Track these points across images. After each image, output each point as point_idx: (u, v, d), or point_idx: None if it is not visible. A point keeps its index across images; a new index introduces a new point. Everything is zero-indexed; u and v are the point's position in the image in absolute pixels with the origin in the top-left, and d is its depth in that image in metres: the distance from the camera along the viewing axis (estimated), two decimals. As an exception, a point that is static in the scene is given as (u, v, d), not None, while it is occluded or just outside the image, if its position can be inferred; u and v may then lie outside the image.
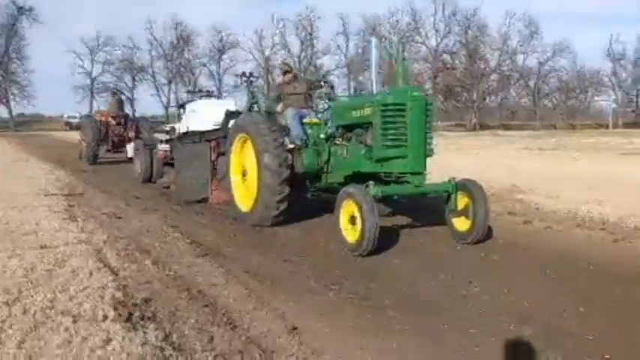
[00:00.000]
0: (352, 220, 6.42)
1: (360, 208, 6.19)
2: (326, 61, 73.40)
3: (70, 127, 60.42)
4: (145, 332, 4.03)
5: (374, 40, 7.49)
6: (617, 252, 6.57)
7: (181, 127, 14.23)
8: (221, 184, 10.13)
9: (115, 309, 4.50)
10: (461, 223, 6.99)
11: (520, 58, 66.05)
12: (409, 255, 6.63)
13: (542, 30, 64.70)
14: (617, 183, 11.24)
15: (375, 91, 7.61)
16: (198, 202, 10.61)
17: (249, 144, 8.64)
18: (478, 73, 62.98)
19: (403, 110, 6.69)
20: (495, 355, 3.89)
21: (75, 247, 6.48)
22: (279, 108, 9.18)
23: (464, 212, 6.91)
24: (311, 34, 70.57)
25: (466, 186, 6.97)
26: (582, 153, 19.78)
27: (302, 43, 71.01)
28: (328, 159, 8.19)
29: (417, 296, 5.12)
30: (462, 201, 6.96)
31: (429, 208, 8.63)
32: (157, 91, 73.20)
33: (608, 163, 15.76)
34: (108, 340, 3.84)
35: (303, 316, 4.61)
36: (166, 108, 69.92)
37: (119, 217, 8.96)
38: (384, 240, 6.59)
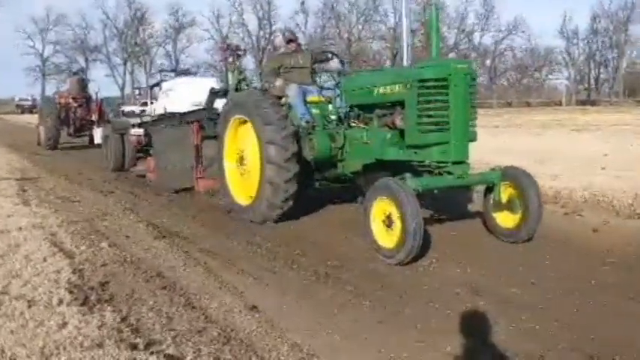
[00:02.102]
0: (387, 221, 5.37)
1: (400, 206, 5.14)
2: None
3: (22, 110, 58.65)
4: (101, 315, 4.01)
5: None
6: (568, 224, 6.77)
7: (157, 109, 13.04)
8: (207, 172, 9.19)
9: (71, 293, 4.46)
10: (505, 219, 6.00)
11: (477, 36, 66.84)
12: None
13: (497, 9, 65.55)
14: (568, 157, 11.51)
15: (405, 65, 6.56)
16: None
17: (247, 127, 7.42)
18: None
19: (445, 87, 5.51)
20: (451, 326, 3.98)
21: (28, 232, 6.37)
22: (277, 83, 7.83)
23: (508, 206, 5.94)
24: (269, 13, 69.85)
25: (511, 175, 5.95)
26: (534, 129, 20.18)
27: (260, 21, 70.22)
28: (343, 144, 6.94)
29: (376, 271, 5.18)
30: (505, 192, 5.97)
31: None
32: (112, 71, 71.64)
33: (559, 139, 16.12)
34: (64, 324, 3.81)
35: (263, 294, 4.63)
36: (122, 89, 68.46)
37: (74, 201, 8.81)
38: (344, 217, 6.64)
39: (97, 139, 15.98)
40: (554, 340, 3.68)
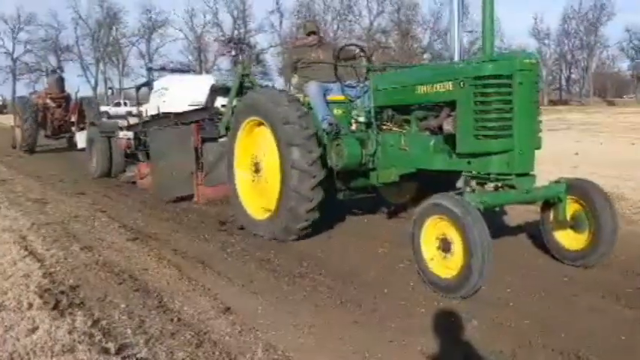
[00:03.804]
0: (444, 245, 4.53)
1: (462, 228, 4.27)
2: (259, 40, 72.69)
3: (-7, 111, 57.56)
4: (72, 319, 3.95)
5: None
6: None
7: (149, 109, 11.85)
8: (208, 178, 8.46)
9: (41, 297, 4.39)
10: (570, 239, 5.21)
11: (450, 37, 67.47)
12: (343, 231, 6.72)
13: (471, 10, 66.21)
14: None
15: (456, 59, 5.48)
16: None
17: (263, 130, 6.55)
18: (412, 52, 63.96)
19: (509, 85, 4.64)
20: (425, 324, 4.00)
21: (-3, 235, 6.25)
22: (294, 80, 7.08)
23: (573, 224, 5.17)
24: (244, 12, 69.61)
25: (579, 188, 5.12)
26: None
27: (234, 21, 69.94)
28: (375, 151, 6.01)
29: (351, 272, 5.19)
30: (570, 208, 5.18)
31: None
32: (84, 71, 70.76)
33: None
34: (34, 329, 3.76)
35: (237, 296, 4.60)
36: (94, 89, 67.67)
37: (45, 203, 8.68)
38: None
39: (81, 144, 14.57)
40: (526, 336, 3.71)
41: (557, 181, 5.20)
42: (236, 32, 67.06)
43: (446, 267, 4.49)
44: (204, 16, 69.65)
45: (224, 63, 56.97)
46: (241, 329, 3.90)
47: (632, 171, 9.92)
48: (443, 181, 5.78)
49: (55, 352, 3.43)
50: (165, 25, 70.55)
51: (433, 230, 4.61)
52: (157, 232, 6.86)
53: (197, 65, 60.04)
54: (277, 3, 68.51)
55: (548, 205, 5.28)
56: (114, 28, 70.43)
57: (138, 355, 3.44)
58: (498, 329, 3.86)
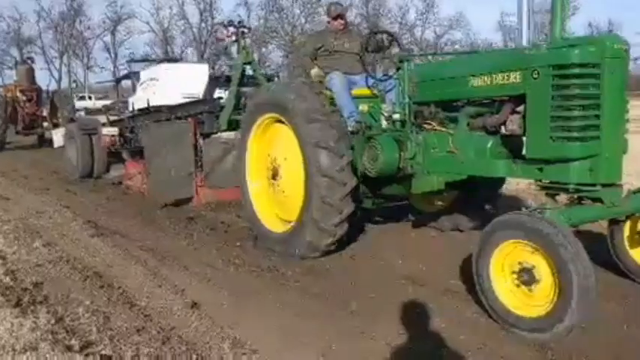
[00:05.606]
0: (524, 276, 3.64)
1: (556, 254, 3.40)
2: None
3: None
4: (35, 317, 3.90)
5: None
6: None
7: (137, 102, 10.80)
8: (209, 179, 7.80)
9: (3, 295, 4.35)
10: None
11: (418, 31, 67.92)
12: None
13: (437, 4, 66.77)
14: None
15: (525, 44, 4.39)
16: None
17: (281, 129, 5.66)
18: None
19: (596, 75, 3.77)
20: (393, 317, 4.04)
21: (-44, 233, 6.11)
22: (314, 70, 6.05)
23: None
24: (211, 5, 68.85)
25: None
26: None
27: (201, 13, 69.14)
28: (415, 154, 5.02)
29: (319, 266, 5.19)
30: None
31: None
32: (48, 64, 69.23)
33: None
34: (-5, 328, 3.68)
35: (204, 291, 4.57)
36: (58, 82, 66.31)
37: (7, 199, 8.49)
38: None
39: (58, 142, 13.18)
40: (492, 329, 3.75)
41: (636, 191, 4.36)
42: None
43: (527, 304, 3.67)
44: (171, 9, 68.74)
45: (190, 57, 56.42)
46: (208, 325, 3.88)
47: None
48: (482, 187, 5.29)
49: (17, 350, 3.38)
50: (130, 17, 69.38)
51: (508, 258, 3.75)
52: (123, 227, 6.76)
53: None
54: (245, -4, 68.01)
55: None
56: (78, 20, 69.00)
57: (102, 352, 3.40)
58: (466, 322, 3.89)
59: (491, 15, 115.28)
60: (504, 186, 6.11)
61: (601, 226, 4.65)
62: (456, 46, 66.36)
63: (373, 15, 66.33)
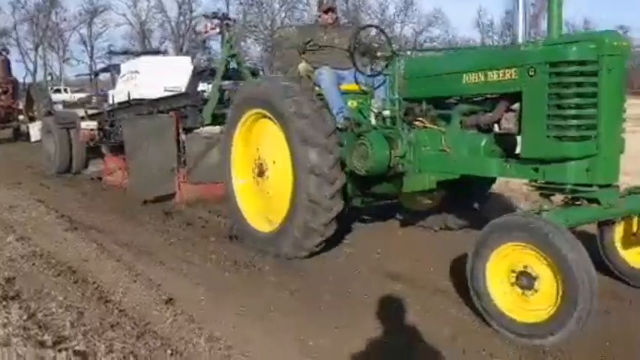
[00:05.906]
0: (522, 280, 3.55)
1: (556, 256, 3.32)
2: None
3: None
4: (7, 312, 3.85)
5: None
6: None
7: (117, 95, 10.51)
8: (191, 175, 7.59)
9: (-26, 290, 4.23)
10: (637, 257, 4.42)
11: (397, 27, 68.17)
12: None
13: (416, 1, 67.14)
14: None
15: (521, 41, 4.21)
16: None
17: (267, 124, 5.54)
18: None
19: (594, 73, 3.71)
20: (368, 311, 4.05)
21: None
22: (301, 65, 5.75)
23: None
24: (189, -3, 68.20)
25: None
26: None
27: (180, 6, 68.51)
28: (406, 152, 4.92)
29: (295, 261, 5.17)
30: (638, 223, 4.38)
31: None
32: (23, 57, 68.07)
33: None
34: (-35, 324, 3.61)
35: (179, 286, 4.53)
36: (33, 75, 65.24)
37: (-22, 193, 8.35)
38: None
39: (35, 136, 12.87)
40: (465, 322, 3.80)
41: (634, 191, 4.26)
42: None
43: (526, 308, 3.55)
44: (149, 2, 68.00)
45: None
46: (183, 320, 3.85)
47: None
48: (473, 186, 5.26)
49: (-12, 346, 3.32)
50: (107, 10, 68.47)
51: (505, 261, 3.64)
52: (97, 222, 6.69)
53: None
54: (224, -11, 67.53)
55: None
56: (53, 12, 67.90)
57: (76, 348, 3.36)
58: (440, 315, 3.92)
59: (469, 12, 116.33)
60: (493, 185, 6.04)
61: (589, 226, 4.64)
62: (435, 43, 66.89)
63: (353, 11, 66.39)
